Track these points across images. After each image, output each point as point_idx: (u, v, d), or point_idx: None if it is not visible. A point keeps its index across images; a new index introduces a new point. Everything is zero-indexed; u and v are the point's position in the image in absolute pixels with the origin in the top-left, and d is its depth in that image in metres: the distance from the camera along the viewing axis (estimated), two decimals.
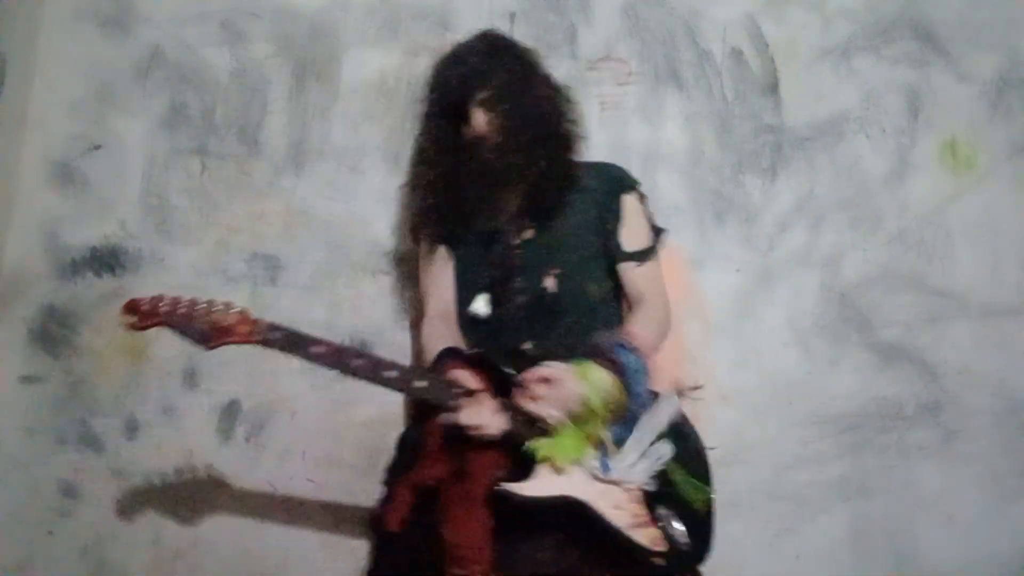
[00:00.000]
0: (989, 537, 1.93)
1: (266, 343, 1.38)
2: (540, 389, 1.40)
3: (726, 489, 1.61)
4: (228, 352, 1.91)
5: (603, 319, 1.62)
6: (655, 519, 1.42)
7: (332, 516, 1.90)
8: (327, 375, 1.92)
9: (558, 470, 1.39)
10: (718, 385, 1.94)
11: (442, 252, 1.71)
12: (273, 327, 1.39)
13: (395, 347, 1.94)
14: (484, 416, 1.37)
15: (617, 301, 1.69)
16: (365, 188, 2.00)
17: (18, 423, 1.93)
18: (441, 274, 1.70)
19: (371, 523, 1.61)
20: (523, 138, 1.58)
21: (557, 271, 1.61)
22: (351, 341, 1.94)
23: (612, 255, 1.66)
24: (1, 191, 1.97)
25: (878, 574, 1.93)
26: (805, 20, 2.07)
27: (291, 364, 1.93)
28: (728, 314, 1.97)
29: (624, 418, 1.45)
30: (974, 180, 2.05)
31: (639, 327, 1.57)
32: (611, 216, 1.66)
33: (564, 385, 1.41)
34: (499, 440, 1.38)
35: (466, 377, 1.42)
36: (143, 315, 1.33)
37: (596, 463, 1.42)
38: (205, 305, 1.35)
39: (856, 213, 2.03)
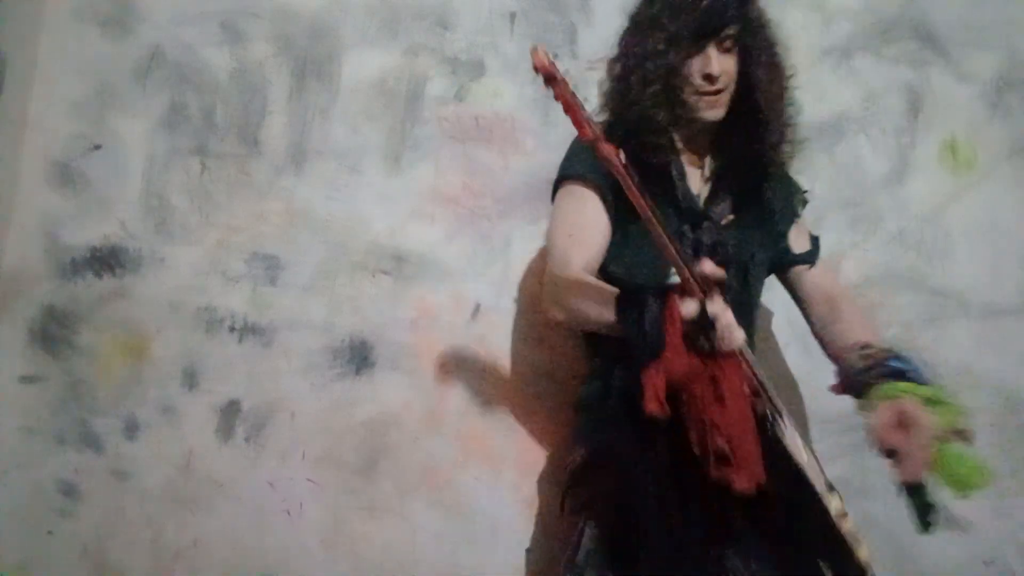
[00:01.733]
0: (989, 537, 1.93)
1: (619, 172, 1.15)
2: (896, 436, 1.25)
3: None
4: (228, 352, 1.94)
5: (751, 323, 1.50)
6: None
7: (332, 516, 1.90)
8: (327, 374, 1.93)
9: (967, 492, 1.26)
10: None
11: (602, 209, 1.44)
12: (628, 165, 1.16)
13: (395, 347, 1.94)
14: (729, 318, 1.15)
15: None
16: (365, 188, 2.00)
17: (18, 423, 1.93)
18: (597, 230, 1.44)
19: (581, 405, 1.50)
20: (766, 102, 1.43)
21: (736, 267, 1.46)
22: (351, 341, 1.94)
23: (777, 261, 1.56)
24: (1, 191, 1.97)
25: (878, 574, 1.92)
26: (805, 20, 2.07)
27: (291, 364, 1.94)
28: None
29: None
30: (974, 180, 2.05)
31: (867, 331, 1.46)
32: (785, 221, 1.57)
33: (916, 419, 1.25)
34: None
35: (713, 269, 1.16)
36: (550, 72, 1.14)
37: None
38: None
39: (856, 213, 2.03)
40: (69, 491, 1.92)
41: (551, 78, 1.12)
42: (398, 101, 2.02)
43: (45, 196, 2.00)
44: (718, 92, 1.42)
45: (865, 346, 1.42)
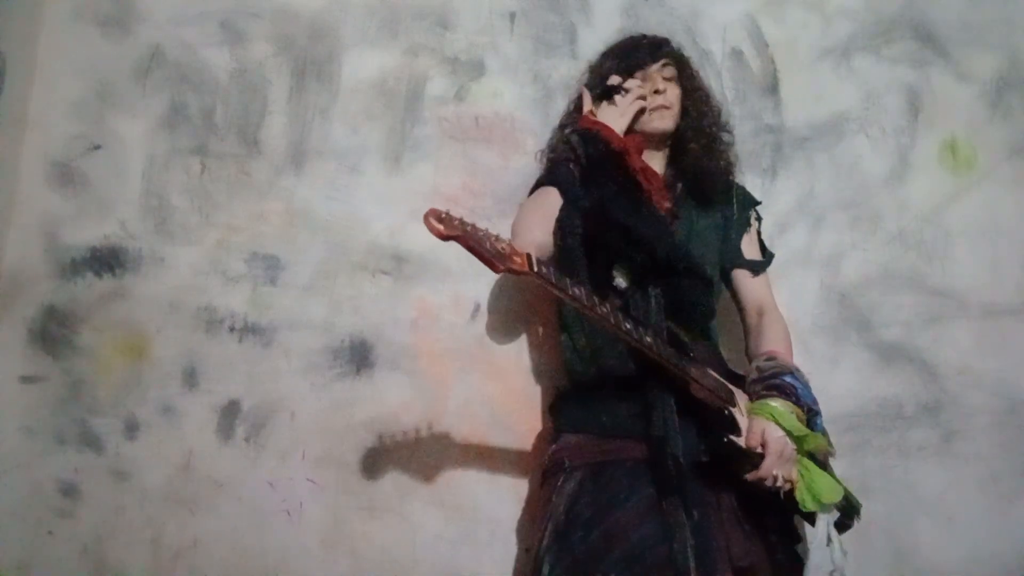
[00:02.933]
0: (989, 537, 1.93)
1: (539, 277, 1.31)
2: (767, 464, 1.44)
3: None
4: (228, 352, 1.94)
5: (708, 320, 1.67)
6: None
7: (332, 516, 1.90)
8: (327, 374, 1.93)
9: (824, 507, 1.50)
10: None
11: (555, 196, 1.62)
12: (540, 262, 1.32)
13: (396, 347, 1.94)
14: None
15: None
16: (365, 188, 2.00)
17: (18, 423, 1.93)
18: (550, 216, 1.61)
19: None
20: (697, 116, 1.70)
21: (692, 267, 1.61)
22: (351, 341, 1.94)
23: (726, 262, 1.73)
24: (1, 191, 1.97)
25: (878, 574, 1.93)
26: (805, 20, 2.07)
27: (291, 364, 1.94)
28: (728, 314, 1.97)
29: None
30: (974, 180, 2.05)
31: (781, 345, 1.66)
32: (736, 226, 1.74)
33: (770, 441, 1.45)
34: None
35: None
36: (446, 225, 1.26)
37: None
38: (484, 232, 1.30)
39: (856, 213, 2.03)
40: (69, 491, 1.91)
41: (452, 237, 1.24)
42: (398, 101, 2.02)
43: (45, 196, 2.00)
44: (666, 107, 1.68)
45: (770, 357, 1.61)
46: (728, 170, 1.74)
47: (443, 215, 1.26)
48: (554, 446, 1.61)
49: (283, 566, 1.89)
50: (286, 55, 2.04)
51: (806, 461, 1.49)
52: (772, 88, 2.05)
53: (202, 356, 1.95)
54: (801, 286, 1.99)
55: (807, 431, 1.48)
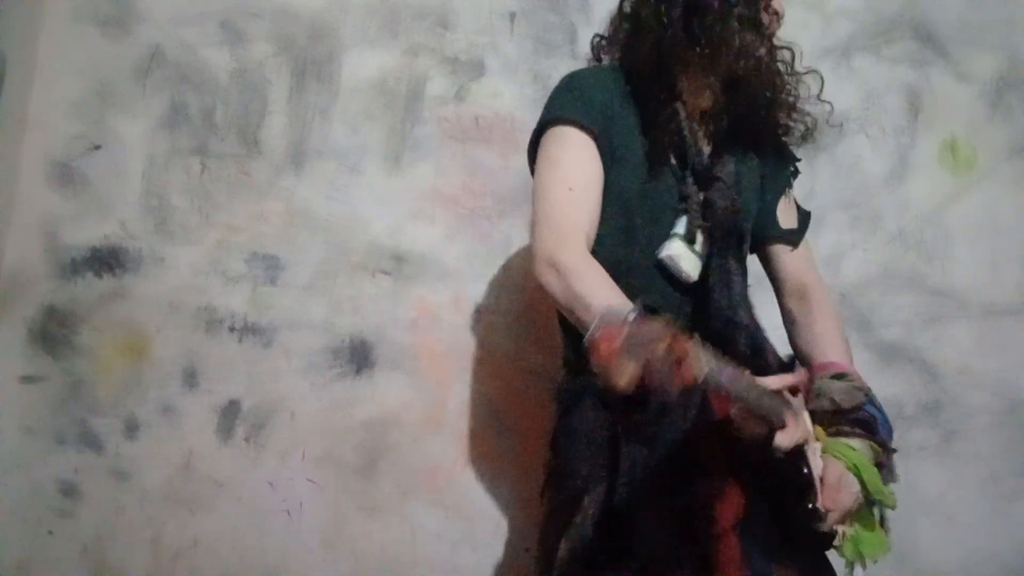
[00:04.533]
0: (989, 537, 1.93)
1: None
2: (832, 516, 1.20)
3: None
4: (228, 352, 1.94)
5: (743, 296, 1.37)
6: None
7: (332, 516, 1.90)
8: (327, 375, 1.93)
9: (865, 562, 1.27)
10: None
11: (597, 158, 1.27)
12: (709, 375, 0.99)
13: (396, 347, 1.94)
14: (802, 430, 1.10)
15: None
16: (365, 188, 2.00)
17: (18, 423, 1.93)
18: (594, 188, 1.27)
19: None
20: (785, 74, 1.33)
21: (742, 232, 1.35)
22: (351, 341, 1.94)
23: (763, 232, 1.43)
24: (1, 191, 1.97)
25: (878, 574, 1.92)
26: (805, 20, 2.07)
27: (291, 364, 1.94)
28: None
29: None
30: (974, 180, 2.05)
31: (840, 344, 1.36)
32: (776, 190, 1.43)
33: (846, 496, 1.21)
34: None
35: (783, 383, 1.10)
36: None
37: None
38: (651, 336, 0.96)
39: (856, 213, 2.03)
40: (69, 491, 1.91)
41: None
42: (398, 101, 2.02)
43: (45, 196, 2.00)
44: (778, 14, 1.34)
45: (839, 374, 1.30)
46: (782, 125, 1.38)
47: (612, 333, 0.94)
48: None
49: (283, 566, 1.89)
50: (286, 55, 2.04)
51: (864, 511, 1.29)
52: None
53: (202, 356, 1.95)
54: None
55: (882, 488, 1.29)
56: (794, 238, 1.44)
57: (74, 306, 1.96)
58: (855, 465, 1.23)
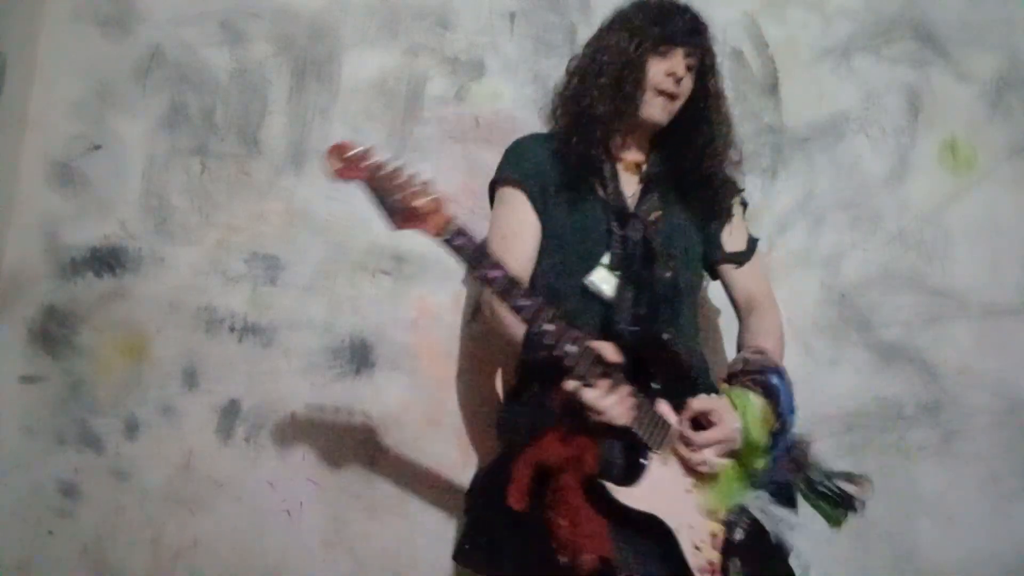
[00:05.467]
0: (989, 537, 1.93)
1: (449, 245, 1.25)
2: (706, 436, 1.34)
3: None
4: (228, 352, 1.94)
5: (694, 319, 1.60)
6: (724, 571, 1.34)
7: (332, 516, 1.90)
8: (327, 374, 1.93)
9: (715, 514, 1.35)
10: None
11: (531, 211, 1.53)
12: (461, 232, 1.25)
13: (396, 347, 1.94)
14: (611, 400, 1.27)
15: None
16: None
17: (18, 423, 1.93)
18: (528, 235, 1.53)
19: (474, 498, 1.56)
20: (715, 118, 1.54)
21: (673, 262, 1.51)
22: (351, 341, 1.94)
23: (710, 256, 1.62)
24: (1, 191, 1.97)
25: (878, 574, 1.93)
26: (805, 20, 2.07)
27: (291, 364, 1.94)
28: (728, 314, 1.97)
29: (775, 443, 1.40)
30: (974, 180, 2.05)
31: (768, 340, 1.52)
32: (718, 220, 1.61)
33: (724, 423, 1.35)
34: (620, 431, 1.30)
35: (611, 351, 1.30)
36: (348, 164, 1.21)
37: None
38: (405, 179, 1.22)
39: (856, 213, 2.03)
40: (69, 491, 1.92)
41: (352, 179, 1.20)
42: (398, 101, 2.02)
43: (45, 196, 2.00)
44: (674, 97, 1.51)
45: (757, 350, 1.49)
46: (717, 166, 1.57)
47: (349, 150, 1.19)
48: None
49: (283, 566, 1.89)
50: (286, 55, 2.04)
51: (736, 468, 1.38)
52: (772, 88, 2.05)
53: (202, 356, 1.95)
54: (801, 286, 1.99)
55: (756, 441, 1.36)
56: (739, 258, 1.62)
57: (74, 306, 1.96)
58: (744, 410, 1.36)
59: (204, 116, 2.02)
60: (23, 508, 1.91)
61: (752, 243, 1.66)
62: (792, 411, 1.43)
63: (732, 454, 1.37)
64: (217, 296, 1.96)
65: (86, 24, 2.04)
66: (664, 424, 1.36)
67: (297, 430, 1.92)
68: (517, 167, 1.56)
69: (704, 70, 1.54)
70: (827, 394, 1.96)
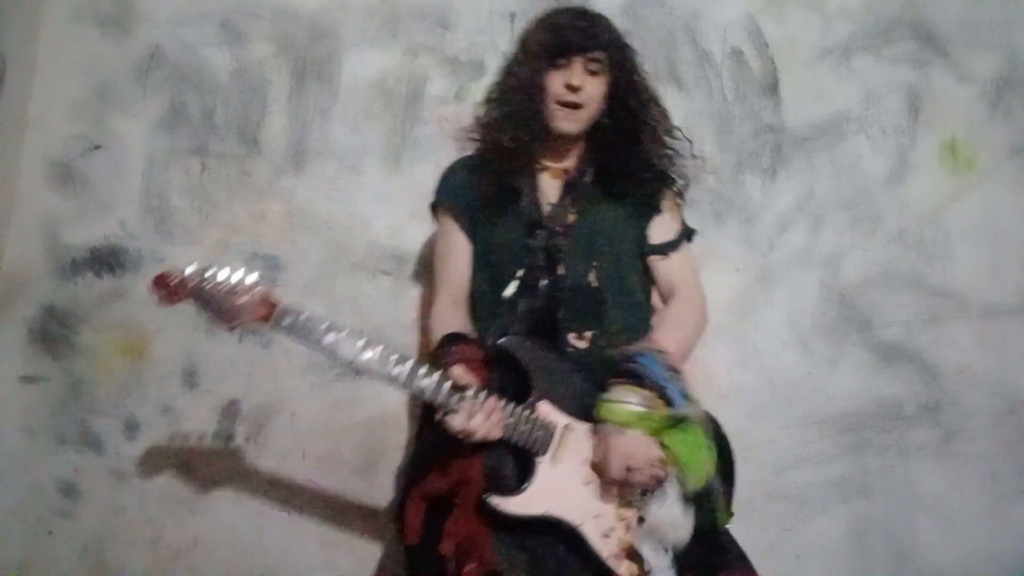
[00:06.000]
0: (989, 537, 1.93)
1: (281, 330, 1.34)
2: (616, 467, 1.35)
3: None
4: (228, 352, 1.94)
5: (644, 314, 1.60)
6: (638, 552, 1.36)
7: (332, 516, 1.90)
8: (327, 375, 1.93)
9: (577, 495, 1.37)
10: (718, 385, 1.94)
11: (459, 232, 1.61)
12: (288, 312, 1.34)
13: (396, 347, 1.93)
14: (477, 421, 1.32)
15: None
16: (365, 188, 2.00)
17: (18, 423, 1.93)
18: (457, 256, 1.62)
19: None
20: (627, 108, 1.54)
21: (597, 263, 1.55)
22: None
23: (638, 250, 1.62)
24: (1, 191, 1.97)
25: (878, 574, 1.93)
26: (805, 20, 2.07)
27: (291, 364, 1.94)
28: (728, 314, 1.97)
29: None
30: (974, 180, 2.05)
31: (665, 330, 1.53)
32: (645, 216, 1.62)
33: (612, 450, 1.35)
34: (500, 444, 1.35)
35: (461, 374, 1.36)
36: (172, 291, 1.32)
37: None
38: (229, 282, 1.32)
39: (856, 213, 2.03)
40: (69, 491, 1.91)
41: (180, 301, 1.32)
42: (398, 101, 2.02)
43: (45, 196, 1.99)
44: (577, 106, 1.52)
45: (649, 348, 1.46)
46: (648, 166, 1.58)
47: (170, 279, 1.29)
48: None
49: (283, 566, 1.89)
50: (286, 55, 2.04)
51: (673, 435, 1.38)
52: (772, 88, 2.05)
53: (202, 356, 1.95)
54: (801, 286, 2.00)
55: (640, 414, 1.36)
56: (663, 250, 1.62)
57: (74, 306, 1.96)
58: (606, 413, 1.37)
59: (204, 116, 2.02)
60: (23, 508, 1.91)
61: (682, 235, 1.65)
62: (665, 377, 1.40)
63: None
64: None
65: (86, 24, 2.04)
66: (547, 426, 1.38)
67: (297, 430, 1.92)
68: (446, 191, 1.63)
69: (616, 67, 1.54)
70: (827, 394, 1.97)
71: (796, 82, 2.06)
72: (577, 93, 1.51)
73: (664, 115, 1.61)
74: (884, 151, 2.05)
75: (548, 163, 1.60)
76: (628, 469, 1.35)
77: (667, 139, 1.60)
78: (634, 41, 2.01)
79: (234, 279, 1.33)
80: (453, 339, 1.49)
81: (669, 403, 1.38)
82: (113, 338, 1.95)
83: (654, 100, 1.61)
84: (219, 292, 1.32)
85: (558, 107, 1.52)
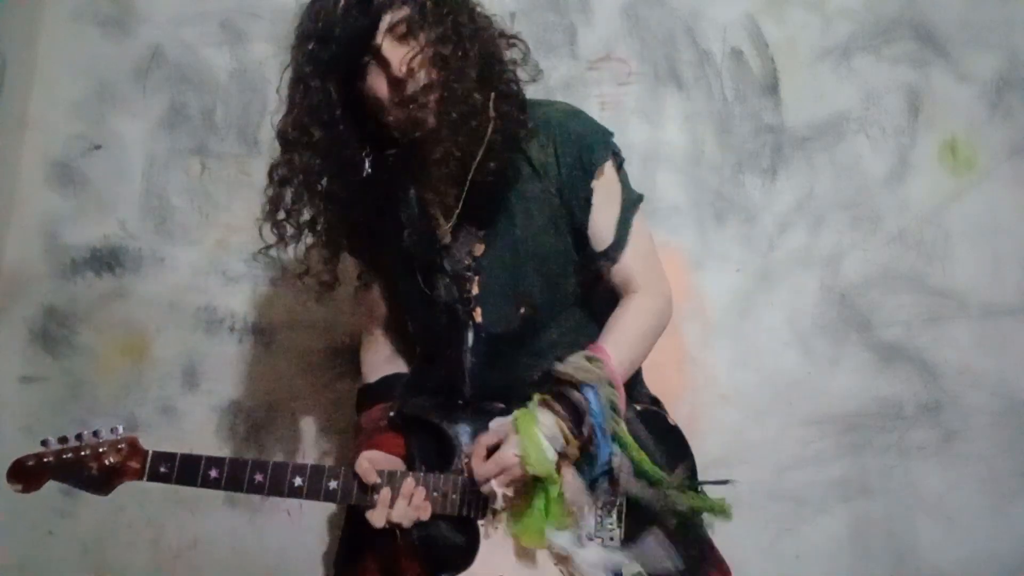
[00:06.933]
0: (989, 537, 1.93)
1: (157, 478, 1.23)
2: (485, 467, 1.21)
3: (726, 489, 1.60)
4: (228, 352, 1.94)
5: (590, 315, 1.38)
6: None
7: (332, 516, 1.90)
8: (327, 374, 1.93)
9: (528, 553, 1.23)
10: (718, 385, 1.94)
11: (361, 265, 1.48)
12: (161, 458, 1.23)
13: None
14: (399, 511, 1.20)
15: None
16: None
17: (18, 423, 1.93)
18: (372, 301, 1.51)
19: None
20: (466, 82, 1.13)
21: (527, 298, 1.29)
22: (351, 341, 1.94)
23: (588, 261, 1.34)
24: (1, 191, 1.97)
25: (878, 574, 1.93)
26: (805, 20, 2.07)
27: (291, 364, 1.94)
28: (728, 314, 1.97)
29: (587, 458, 1.22)
30: (974, 180, 2.05)
31: (613, 335, 1.29)
32: (578, 205, 1.28)
33: (501, 451, 1.20)
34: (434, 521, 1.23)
35: (367, 471, 1.22)
36: (30, 478, 1.25)
37: (569, 536, 1.23)
38: (92, 445, 1.23)
39: (856, 213, 2.03)
40: (69, 491, 1.90)
41: (40, 484, 1.26)
42: None
43: (45, 196, 1.99)
44: (420, 94, 1.14)
45: (590, 357, 1.25)
46: (513, 138, 1.21)
47: (23, 466, 1.21)
48: None
49: (283, 566, 1.89)
50: (286, 55, 2.03)
51: (545, 496, 1.22)
52: (772, 88, 2.05)
53: (202, 356, 1.95)
54: (801, 286, 1.99)
55: (546, 472, 1.20)
56: (613, 255, 1.32)
57: (74, 306, 1.96)
58: (523, 432, 1.20)
59: (204, 116, 2.02)
60: (23, 508, 1.91)
61: (623, 224, 1.31)
62: (598, 424, 1.21)
63: (526, 487, 1.22)
64: (217, 296, 1.96)
65: (86, 24, 2.04)
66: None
67: (297, 430, 1.92)
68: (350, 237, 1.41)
69: (427, 22, 1.16)
70: (827, 394, 1.96)
71: (796, 82, 2.06)
72: (413, 79, 1.14)
73: (504, 35, 1.24)
74: (884, 151, 2.05)
75: (421, 180, 1.27)
76: (495, 475, 1.21)
77: (517, 77, 1.23)
78: (634, 40, 2.05)
79: (92, 439, 1.24)
80: (363, 398, 1.44)
81: (584, 447, 1.22)
82: (113, 338, 1.95)
83: (486, 28, 1.21)
84: (81, 459, 1.23)
85: (399, 109, 1.17)
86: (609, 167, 1.31)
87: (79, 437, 1.23)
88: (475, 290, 1.30)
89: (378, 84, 1.17)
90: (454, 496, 1.24)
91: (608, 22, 2.06)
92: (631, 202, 1.34)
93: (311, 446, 1.92)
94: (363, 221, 1.32)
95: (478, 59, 1.15)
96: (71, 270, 1.97)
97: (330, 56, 1.17)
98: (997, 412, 1.97)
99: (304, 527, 1.90)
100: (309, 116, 1.23)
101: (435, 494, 1.24)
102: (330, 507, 1.89)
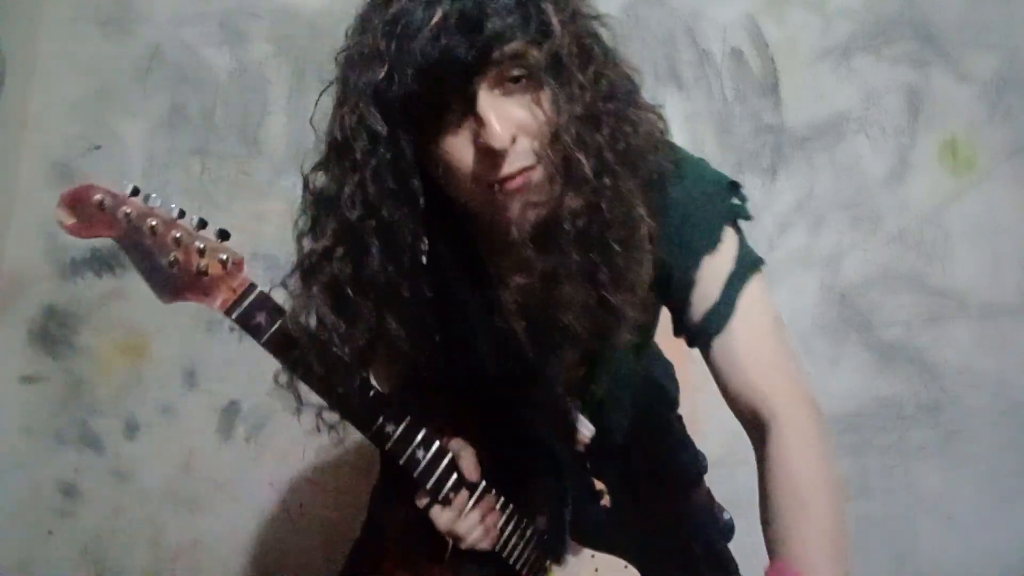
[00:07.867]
0: (989, 537, 1.93)
1: (242, 325, 0.90)
2: None
3: (726, 489, 1.61)
4: (229, 352, 1.94)
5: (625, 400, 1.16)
6: None
7: (332, 516, 1.90)
8: None
9: None
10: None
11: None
12: (263, 307, 0.90)
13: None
14: (469, 522, 1.00)
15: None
16: None
17: (18, 423, 1.93)
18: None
19: None
20: (624, 180, 0.81)
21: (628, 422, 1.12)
22: None
23: (679, 327, 1.03)
24: (1, 191, 1.97)
25: (878, 574, 1.93)
26: (805, 20, 2.07)
27: None
28: None
29: None
30: (974, 180, 2.05)
31: (812, 542, 0.89)
32: (681, 288, 0.97)
33: None
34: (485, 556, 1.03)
35: (472, 469, 1.02)
36: (90, 220, 0.87)
37: None
38: (188, 232, 0.88)
39: (856, 213, 2.03)
40: (69, 491, 1.91)
41: (97, 235, 0.85)
42: None
43: (45, 196, 1.99)
44: (520, 173, 0.79)
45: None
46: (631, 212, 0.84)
47: (90, 200, 0.81)
48: None
49: (283, 566, 1.89)
50: (286, 55, 2.03)
51: None
52: (772, 88, 2.05)
53: (202, 356, 1.95)
54: (801, 286, 1.99)
55: None
56: (711, 327, 0.98)
57: (74, 306, 1.96)
58: None
59: (204, 116, 2.02)
60: (23, 508, 1.91)
61: (730, 291, 0.96)
62: None
63: None
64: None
65: (86, 24, 2.04)
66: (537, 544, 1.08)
67: (297, 430, 1.92)
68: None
69: (558, 63, 0.84)
70: (827, 394, 1.96)
71: (796, 82, 2.06)
72: (508, 151, 0.78)
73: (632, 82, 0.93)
74: (884, 151, 2.05)
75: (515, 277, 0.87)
76: None
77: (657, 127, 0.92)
78: (634, 40, 2.05)
79: (193, 225, 0.90)
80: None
81: None
82: (113, 338, 1.95)
83: (628, 93, 0.91)
84: (165, 240, 0.88)
85: (490, 193, 0.81)
86: (725, 242, 1.02)
87: (182, 214, 0.91)
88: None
89: (461, 150, 0.79)
90: (515, 543, 1.05)
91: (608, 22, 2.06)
92: (748, 256, 1.05)
93: (311, 446, 1.92)
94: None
95: (636, 131, 0.81)
96: (71, 270, 1.97)
97: (407, 94, 0.77)
98: (997, 412, 1.97)
99: (304, 527, 1.90)
100: (377, 184, 0.83)
101: (507, 530, 1.04)
102: (330, 507, 1.89)
